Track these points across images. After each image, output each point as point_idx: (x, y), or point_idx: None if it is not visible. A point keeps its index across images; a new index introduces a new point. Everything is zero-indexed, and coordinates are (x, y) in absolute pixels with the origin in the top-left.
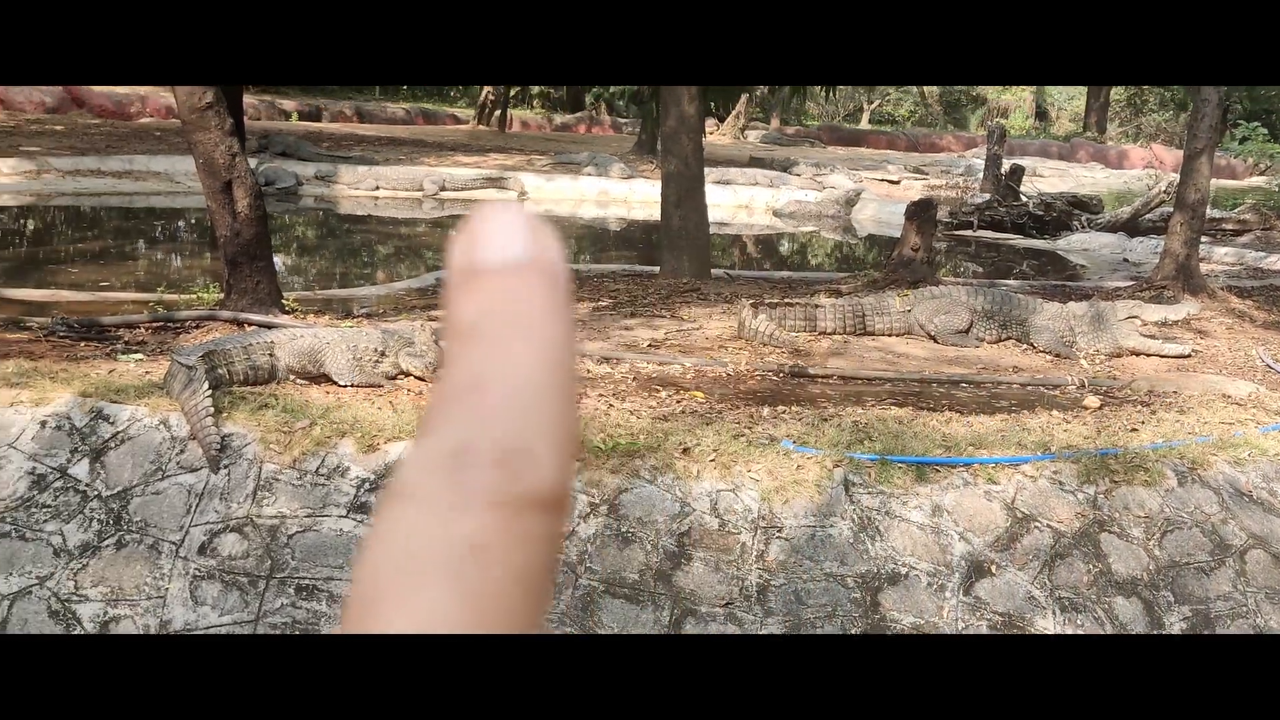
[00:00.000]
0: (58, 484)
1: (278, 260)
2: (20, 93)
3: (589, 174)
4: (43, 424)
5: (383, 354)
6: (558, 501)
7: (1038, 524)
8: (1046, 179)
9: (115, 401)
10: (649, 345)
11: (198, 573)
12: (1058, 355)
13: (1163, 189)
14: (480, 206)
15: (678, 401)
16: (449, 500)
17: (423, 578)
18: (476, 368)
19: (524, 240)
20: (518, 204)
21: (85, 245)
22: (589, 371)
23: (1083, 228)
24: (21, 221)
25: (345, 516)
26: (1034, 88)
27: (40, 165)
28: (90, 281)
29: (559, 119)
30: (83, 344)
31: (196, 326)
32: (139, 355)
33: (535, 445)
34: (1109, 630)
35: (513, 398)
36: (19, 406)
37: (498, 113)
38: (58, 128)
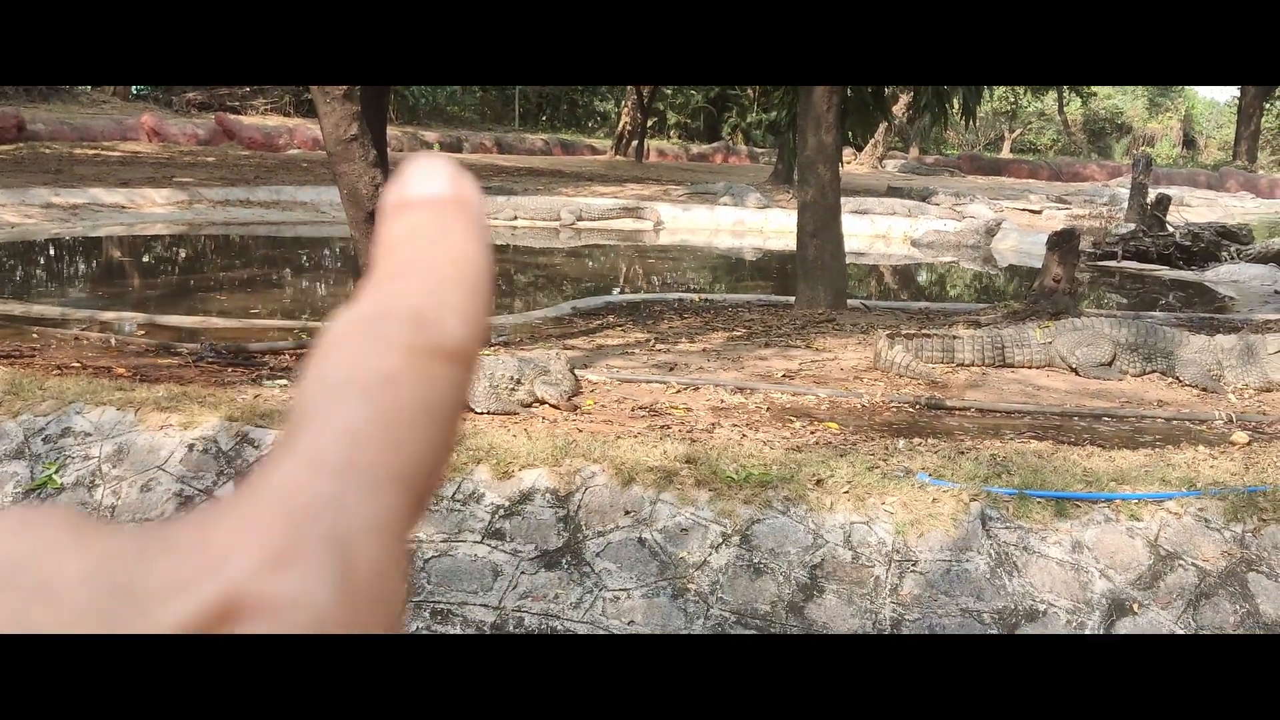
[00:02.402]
0: (204, 506)
1: None
2: (175, 125)
3: (725, 203)
4: (190, 447)
5: (518, 382)
6: (464, 356)
7: (1182, 562)
8: (1194, 209)
9: (260, 426)
10: (783, 375)
11: None
12: (1204, 389)
13: None
14: (411, 157)
15: (811, 432)
16: (366, 345)
17: (342, 396)
18: (399, 261)
19: (447, 180)
20: (442, 154)
21: (234, 273)
22: (723, 401)
23: (1231, 259)
24: (174, 250)
25: (480, 542)
26: (1182, 115)
27: (192, 195)
28: (239, 309)
29: (695, 149)
30: (230, 369)
31: None
32: (283, 381)
33: (447, 315)
34: None
35: (430, 281)
36: (168, 430)
37: (635, 143)
38: (209, 159)
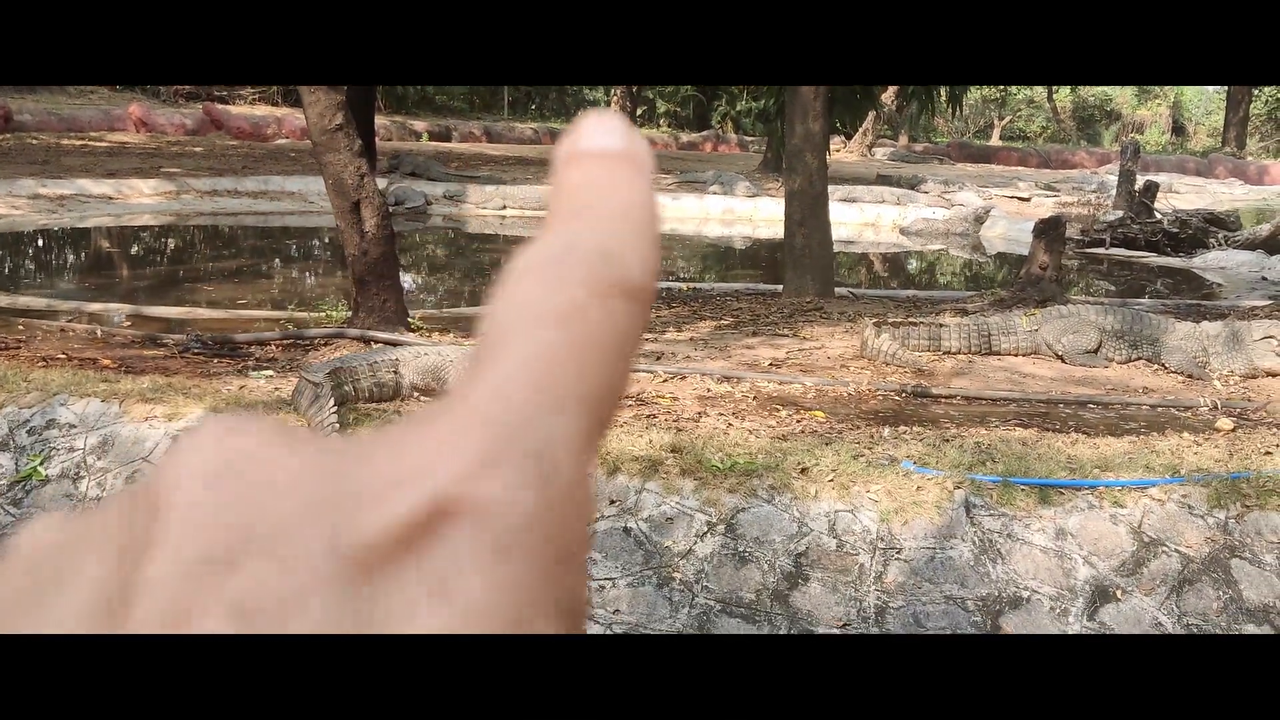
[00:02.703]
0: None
1: (407, 279)
2: (162, 115)
3: (714, 192)
4: (174, 438)
5: None
6: (643, 294)
7: (1165, 549)
8: (1183, 195)
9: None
10: (770, 364)
11: None
12: (1190, 376)
13: None
14: (584, 113)
15: (798, 421)
16: (554, 278)
17: (533, 323)
18: (578, 205)
19: (619, 134)
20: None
21: (221, 264)
22: (709, 390)
23: (1219, 245)
24: (162, 241)
25: None
26: (1171, 102)
27: (180, 186)
28: (226, 299)
29: (685, 137)
30: (216, 360)
31: (325, 344)
32: (269, 372)
33: (628, 255)
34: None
35: (609, 224)
36: (153, 421)
37: None
38: (197, 149)
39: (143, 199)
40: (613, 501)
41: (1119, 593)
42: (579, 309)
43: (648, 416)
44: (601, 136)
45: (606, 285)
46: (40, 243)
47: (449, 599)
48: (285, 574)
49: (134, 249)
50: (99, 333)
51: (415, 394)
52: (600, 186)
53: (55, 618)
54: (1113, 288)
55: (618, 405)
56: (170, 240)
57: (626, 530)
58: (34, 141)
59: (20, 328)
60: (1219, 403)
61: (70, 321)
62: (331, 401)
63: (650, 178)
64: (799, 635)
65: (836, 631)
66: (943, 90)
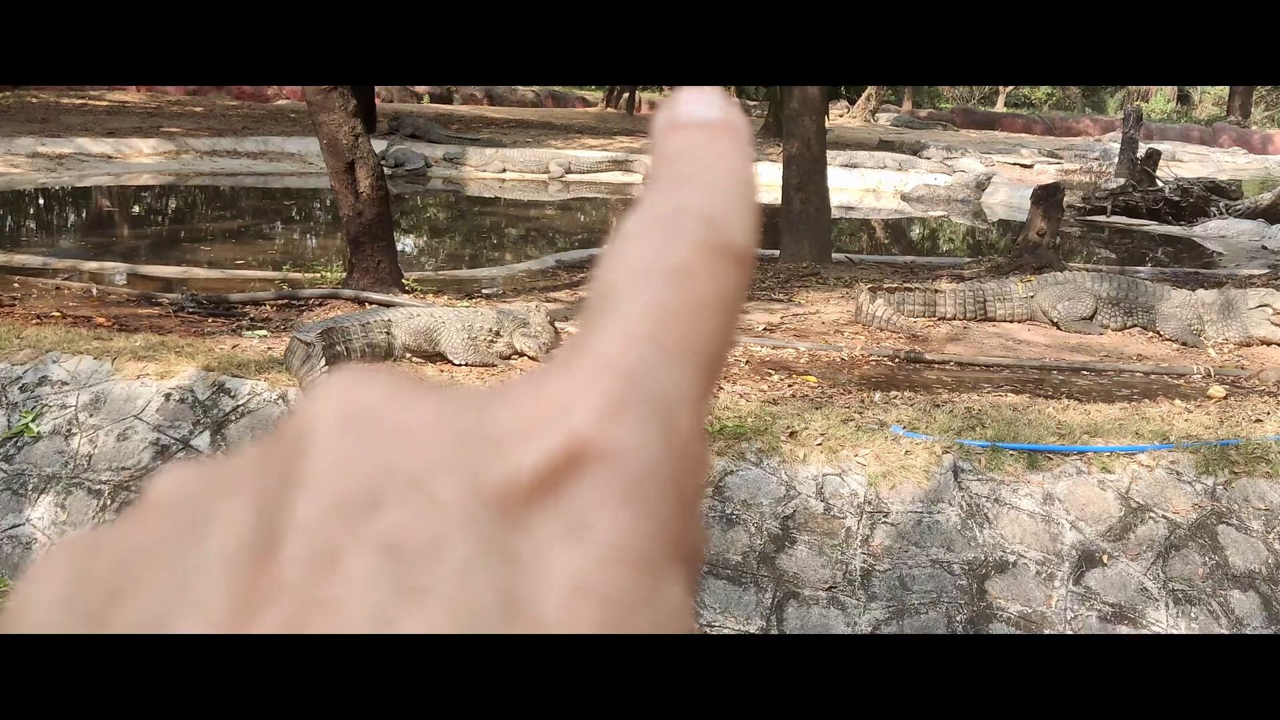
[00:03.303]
0: (180, 455)
1: (405, 241)
2: None
3: None
4: (167, 396)
5: (497, 334)
6: (746, 258)
7: (1152, 514)
8: (1186, 164)
9: (237, 376)
10: (764, 329)
11: None
12: (1184, 344)
13: None
14: (680, 89)
15: (789, 386)
16: (663, 239)
17: (646, 280)
18: (680, 172)
19: (718, 106)
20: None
21: (220, 224)
22: None
23: (1220, 214)
24: (161, 200)
25: None
26: None
27: (180, 146)
28: (224, 259)
29: None
30: (210, 320)
31: (319, 304)
32: (263, 332)
33: (731, 219)
34: (1224, 624)
35: (712, 190)
36: (145, 379)
37: (626, 95)
38: (197, 109)
39: (142, 158)
40: None
41: (1105, 558)
42: (689, 269)
43: None
44: (700, 107)
45: (712, 247)
46: (40, 201)
47: (586, 539)
48: (431, 514)
49: (133, 208)
50: (94, 291)
51: (407, 355)
52: (701, 154)
53: (199, 561)
54: (1113, 255)
55: (725, 364)
56: (169, 200)
57: None
58: (34, 100)
59: (16, 285)
60: (1212, 370)
61: (66, 280)
62: (323, 362)
63: (748, 146)
64: (795, 636)
65: (838, 632)
66: None
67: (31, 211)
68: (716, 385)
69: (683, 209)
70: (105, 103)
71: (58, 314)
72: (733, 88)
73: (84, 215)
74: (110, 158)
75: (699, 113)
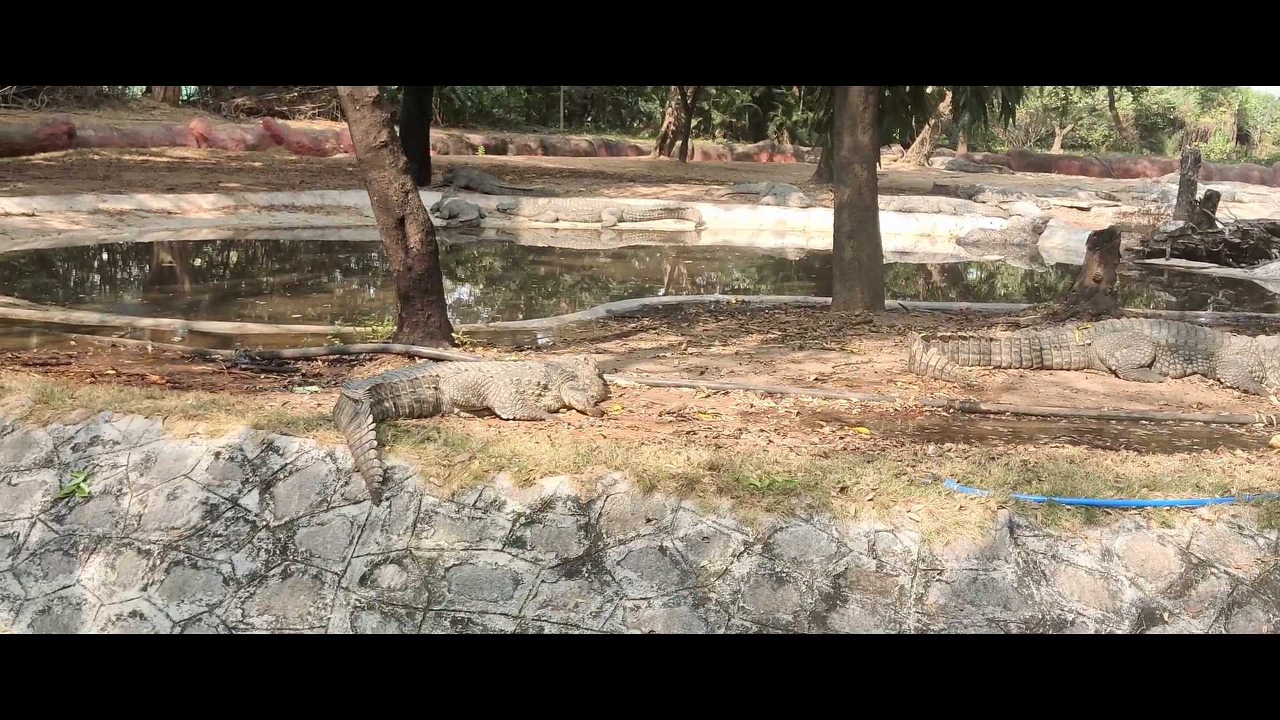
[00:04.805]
0: (229, 514)
1: (458, 291)
2: (223, 131)
3: (767, 203)
4: (217, 455)
5: (545, 387)
6: None
7: (1214, 570)
8: (1246, 205)
9: (285, 434)
10: (815, 379)
11: (358, 603)
12: (1246, 391)
13: None
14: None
15: (840, 437)
16: None
17: None
18: None
19: None
20: None
21: (276, 278)
22: (752, 406)
23: None
24: (220, 255)
25: (500, 550)
26: (1235, 109)
27: (238, 201)
28: (280, 314)
29: (740, 148)
30: (263, 376)
31: (370, 359)
32: (314, 387)
33: None
34: None
35: None
36: (195, 438)
37: (679, 143)
38: (256, 164)
39: (201, 213)
40: (649, 520)
41: (1166, 615)
42: None
43: (688, 433)
44: None
45: None
46: (102, 257)
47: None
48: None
49: (192, 263)
50: (149, 348)
51: (455, 409)
52: None
53: None
54: (1173, 299)
55: None
56: (228, 254)
57: (662, 549)
58: (96, 157)
59: (73, 343)
60: (1274, 418)
61: (121, 337)
62: (371, 418)
63: None
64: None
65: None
66: (994, 100)
67: (95, 266)
68: None
69: None
70: (165, 159)
71: (112, 372)
72: (785, 131)
73: (144, 270)
74: (170, 213)
75: None
